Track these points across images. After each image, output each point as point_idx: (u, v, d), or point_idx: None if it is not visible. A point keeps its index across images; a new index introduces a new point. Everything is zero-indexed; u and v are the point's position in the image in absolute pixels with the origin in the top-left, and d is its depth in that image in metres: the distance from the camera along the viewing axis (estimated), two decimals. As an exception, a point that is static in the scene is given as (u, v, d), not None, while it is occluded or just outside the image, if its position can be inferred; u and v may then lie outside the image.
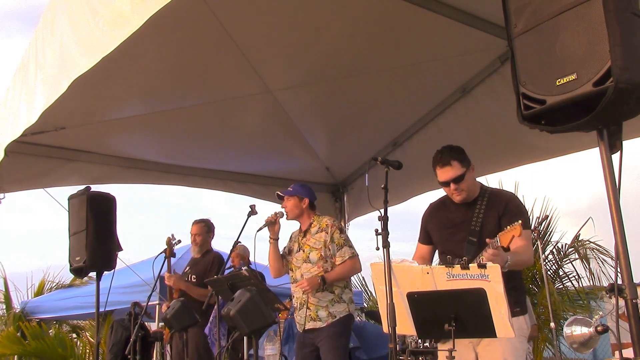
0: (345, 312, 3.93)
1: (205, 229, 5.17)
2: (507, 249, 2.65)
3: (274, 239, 4.09)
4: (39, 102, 3.32)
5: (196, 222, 5.19)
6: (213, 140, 5.52)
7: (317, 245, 3.99)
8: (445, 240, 3.10)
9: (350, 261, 3.96)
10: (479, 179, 3.20)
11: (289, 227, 4.32)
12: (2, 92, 4.16)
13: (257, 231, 3.99)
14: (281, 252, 4.20)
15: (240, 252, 6.24)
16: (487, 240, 2.66)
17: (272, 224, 4.06)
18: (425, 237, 3.24)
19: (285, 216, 4.13)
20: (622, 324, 1.96)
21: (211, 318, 4.92)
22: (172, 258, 4.95)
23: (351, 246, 4.01)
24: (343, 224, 6.60)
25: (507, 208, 2.96)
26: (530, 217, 6.83)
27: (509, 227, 2.62)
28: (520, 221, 2.62)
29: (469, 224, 2.98)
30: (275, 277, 4.25)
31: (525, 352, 2.91)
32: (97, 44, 2.82)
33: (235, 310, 2.90)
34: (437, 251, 3.26)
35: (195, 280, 4.96)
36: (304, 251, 4.05)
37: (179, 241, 4.98)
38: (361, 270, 4.10)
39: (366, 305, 8.57)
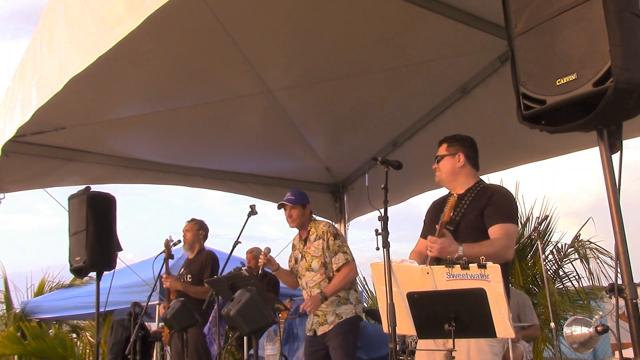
0: (352, 313, 3.96)
1: (196, 227, 5.18)
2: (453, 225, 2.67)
3: (275, 269, 4.13)
4: (34, 102, 3.32)
5: (188, 221, 5.24)
6: (213, 140, 5.52)
7: (317, 253, 4.03)
8: (432, 233, 3.10)
9: (345, 268, 3.98)
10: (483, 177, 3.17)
11: (288, 235, 4.40)
12: (3, 92, 4.17)
13: (259, 273, 4.10)
14: (289, 267, 4.25)
15: (256, 253, 6.27)
16: (437, 226, 2.63)
17: (268, 264, 4.06)
18: (423, 231, 3.24)
19: (291, 224, 4.16)
20: (622, 324, 1.96)
21: (210, 317, 4.93)
22: (170, 259, 4.95)
23: (346, 251, 4.02)
24: (343, 224, 6.61)
25: (491, 199, 2.88)
26: (530, 217, 6.88)
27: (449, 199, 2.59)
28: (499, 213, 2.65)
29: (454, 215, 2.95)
30: (292, 289, 4.41)
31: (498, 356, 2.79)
32: (94, 43, 2.82)
33: (235, 310, 2.90)
34: None
35: (190, 279, 4.97)
36: (306, 260, 4.08)
37: (179, 241, 4.99)
38: (357, 275, 4.13)
39: (366, 305, 8.57)
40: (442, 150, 3.11)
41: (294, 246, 4.30)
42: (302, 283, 4.12)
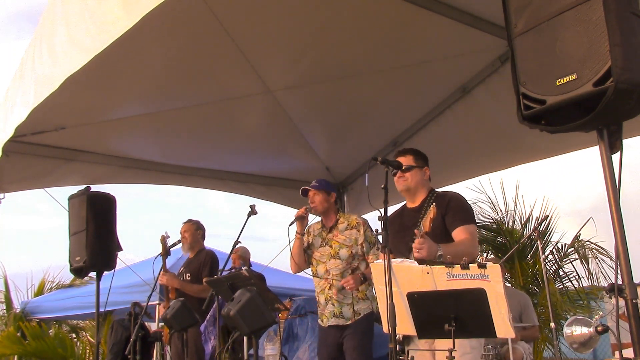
0: (369, 309, 3.94)
1: (193, 227, 5.18)
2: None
3: (301, 233, 4.10)
4: (32, 101, 3.31)
5: (185, 222, 5.24)
6: (213, 140, 5.52)
7: (348, 242, 4.01)
8: (397, 244, 3.12)
9: None
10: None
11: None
12: (4, 92, 4.17)
13: (289, 225, 4.02)
14: None
15: (241, 253, 6.26)
16: (415, 230, 2.74)
17: (302, 218, 4.07)
18: (389, 243, 3.25)
19: (313, 210, 4.11)
20: (622, 324, 1.96)
21: (208, 316, 4.92)
22: (169, 258, 4.94)
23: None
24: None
25: (449, 206, 3.09)
26: (530, 217, 6.88)
27: (428, 210, 2.70)
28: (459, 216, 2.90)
29: (416, 225, 3.01)
30: (296, 272, 4.25)
31: (479, 353, 2.94)
32: (92, 42, 2.82)
33: (235, 310, 2.90)
34: None
35: (189, 278, 4.97)
36: (331, 247, 4.05)
37: (178, 242, 4.98)
38: None
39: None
40: (410, 161, 3.23)
41: (308, 232, 4.23)
42: (320, 270, 4.05)
